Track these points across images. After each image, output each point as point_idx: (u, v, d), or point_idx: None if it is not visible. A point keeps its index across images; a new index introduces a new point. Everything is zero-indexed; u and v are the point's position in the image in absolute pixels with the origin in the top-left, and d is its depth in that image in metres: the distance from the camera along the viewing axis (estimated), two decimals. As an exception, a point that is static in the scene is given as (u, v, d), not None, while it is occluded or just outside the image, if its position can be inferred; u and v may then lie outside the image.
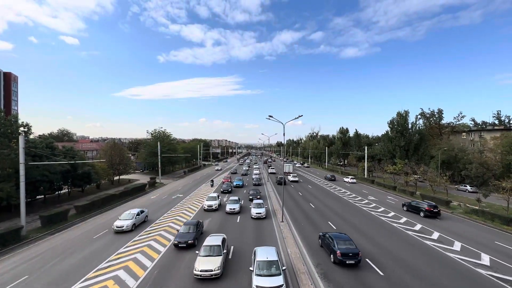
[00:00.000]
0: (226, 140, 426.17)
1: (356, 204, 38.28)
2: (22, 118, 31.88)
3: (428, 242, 22.59)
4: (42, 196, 37.95)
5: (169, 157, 73.60)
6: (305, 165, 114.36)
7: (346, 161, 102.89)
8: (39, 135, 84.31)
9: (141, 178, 63.73)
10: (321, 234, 21.58)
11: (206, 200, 34.48)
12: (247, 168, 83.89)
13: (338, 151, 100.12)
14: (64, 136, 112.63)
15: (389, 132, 63.99)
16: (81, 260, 18.85)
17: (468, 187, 51.83)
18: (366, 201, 40.78)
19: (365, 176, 68.10)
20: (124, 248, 20.95)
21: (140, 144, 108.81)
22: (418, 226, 27.36)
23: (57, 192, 40.87)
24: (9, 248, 21.09)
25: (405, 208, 34.22)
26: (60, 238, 23.87)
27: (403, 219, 30.09)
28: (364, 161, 71.07)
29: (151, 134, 79.51)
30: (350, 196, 44.90)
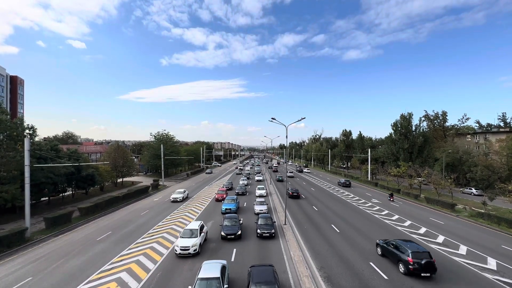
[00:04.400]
0: (228, 142, 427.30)
1: (360, 207, 37.99)
2: (28, 120, 32.34)
3: (433, 246, 22.28)
4: (47, 198, 38.25)
5: (172, 160, 73.84)
6: (303, 166, 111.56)
7: (349, 164, 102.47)
8: (44, 138, 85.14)
9: (144, 181, 63.98)
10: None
11: (180, 237, 20.60)
12: (245, 182, 58.51)
13: (341, 154, 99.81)
14: (68, 138, 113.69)
15: (393, 135, 63.62)
16: (85, 262, 18.90)
17: (474, 190, 51.18)
18: (370, 204, 40.45)
19: (369, 179, 67.63)
20: (127, 250, 20.99)
21: (143, 147, 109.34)
22: (423, 230, 27.03)
23: (61, 194, 41.24)
24: (14, 249, 21.23)
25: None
26: (64, 240, 23.99)
27: (408, 222, 29.77)
28: (368, 164, 70.64)
29: (155, 136, 79.94)
30: (354, 199, 44.58)
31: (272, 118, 31.09)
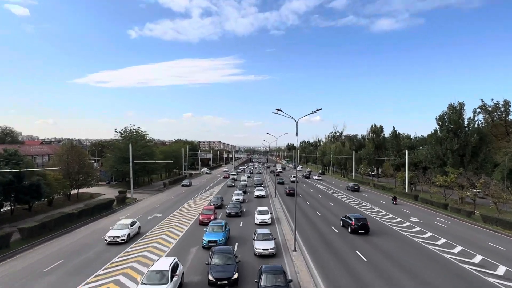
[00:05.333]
0: (219, 142, 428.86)
1: (394, 227, 38.02)
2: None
3: (491, 279, 22.26)
4: (-23, 216, 38.20)
5: (145, 164, 73.89)
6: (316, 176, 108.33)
7: (380, 170, 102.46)
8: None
9: (107, 192, 64.06)
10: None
11: (142, 283, 18.09)
12: (240, 197, 53.25)
13: (369, 156, 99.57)
14: (6, 136, 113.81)
15: (438, 132, 63.83)
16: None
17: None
18: (407, 223, 40.47)
19: (406, 191, 67.65)
20: (84, 285, 20.95)
21: (106, 147, 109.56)
22: (478, 258, 27.03)
23: (-4, 210, 41.16)
24: None
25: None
26: (0, 271, 23.92)
27: (458, 248, 29.77)
28: (405, 170, 70.65)
29: (121, 133, 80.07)
30: (386, 217, 44.61)
31: (278, 110, 31.13)
